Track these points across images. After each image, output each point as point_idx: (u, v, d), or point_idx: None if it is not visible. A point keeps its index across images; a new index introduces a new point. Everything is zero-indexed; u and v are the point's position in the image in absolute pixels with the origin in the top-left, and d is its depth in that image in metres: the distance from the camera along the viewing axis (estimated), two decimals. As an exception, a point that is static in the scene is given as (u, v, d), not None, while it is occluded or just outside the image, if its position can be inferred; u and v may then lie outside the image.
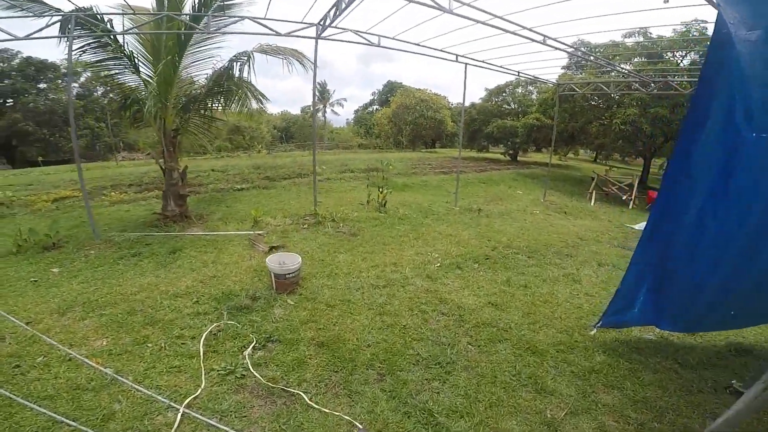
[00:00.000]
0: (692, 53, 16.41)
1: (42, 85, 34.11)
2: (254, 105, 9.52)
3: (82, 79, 31.63)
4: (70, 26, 6.57)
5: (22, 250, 6.48)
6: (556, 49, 7.89)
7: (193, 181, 14.80)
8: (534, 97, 28.33)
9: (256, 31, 7.31)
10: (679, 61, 16.71)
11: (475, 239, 7.97)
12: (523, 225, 9.72)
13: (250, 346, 3.85)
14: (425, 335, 4.24)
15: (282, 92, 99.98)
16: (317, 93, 49.43)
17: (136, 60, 7.97)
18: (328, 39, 7.88)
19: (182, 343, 3.88)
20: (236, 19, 7.53)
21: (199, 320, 4.31)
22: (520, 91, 28.99)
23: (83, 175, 7.76)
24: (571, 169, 29.84)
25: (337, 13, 6.60)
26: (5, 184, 16.06)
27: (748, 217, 2.87)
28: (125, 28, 7.47)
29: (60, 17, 6.52)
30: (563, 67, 19.13)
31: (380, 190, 9.96)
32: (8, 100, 33.17)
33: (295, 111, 54.49)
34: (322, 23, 7.40)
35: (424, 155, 30.48)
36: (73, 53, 6.70)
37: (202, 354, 3.70)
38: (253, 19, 7.20)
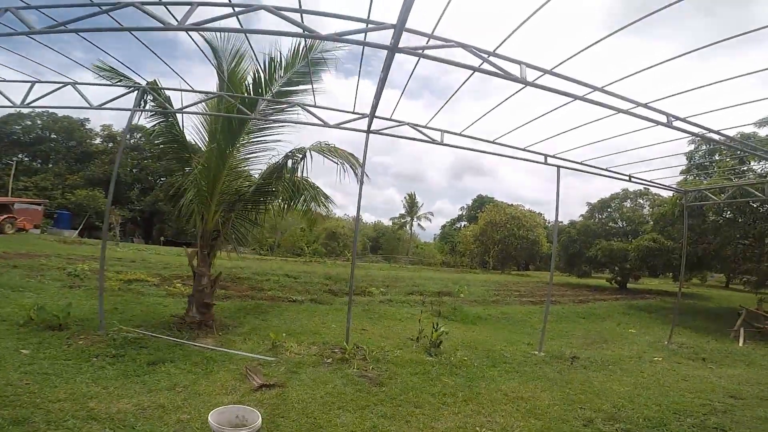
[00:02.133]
0: None
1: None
2: (319, 208, 8.89)
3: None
4: (144, 98, 6.82)
5: (31, 324, 6.58)
6: (694, 136, 5.76)
7: (257, 284, 14.37)
8: (646, 211, 24.21)
9: (305, 122, 6.85)
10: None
11: (559, 406, 5.28)
12: (639, 381, 6.79)
13: None
14: None
15: (381, 201, 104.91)
16: (405, 204, 50.62)
17: (188, 143, 7.89)
18: (381, 133, 7.02)
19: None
20: (286, 105, 7.19)
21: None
22: (628, 204, 25.02)
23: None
24: (700, 298, 23.78)
25: (378, 100, 5.69)
26: (115, 257, 17.80)
27: None
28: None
29: (131, 89, 6.80)
30: (682, 173, 15.33)
31: (434, 327, 7.80)
32: (161, 179, 39.29)
33: (388, 222, 56.15)
34: (372, 114, 6.58)
35: (512, 279, 27.39)
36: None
37: None
38: (302, 105, 6.79)
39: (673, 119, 5.21)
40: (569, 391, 5.94)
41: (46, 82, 6.62)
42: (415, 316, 10.08)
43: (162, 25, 3.65)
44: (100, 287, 7.23)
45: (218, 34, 6.49)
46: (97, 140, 41.01)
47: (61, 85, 6.59)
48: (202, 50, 5.62)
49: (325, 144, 7.75)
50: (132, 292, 11.17)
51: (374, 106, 5.96)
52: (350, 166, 7.71)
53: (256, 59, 6.89)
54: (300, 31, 3.73)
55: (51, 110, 39.18)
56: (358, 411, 4.60)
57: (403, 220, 50.61)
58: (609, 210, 25.66)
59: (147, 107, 7.05)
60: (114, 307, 8.96)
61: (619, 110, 5.05)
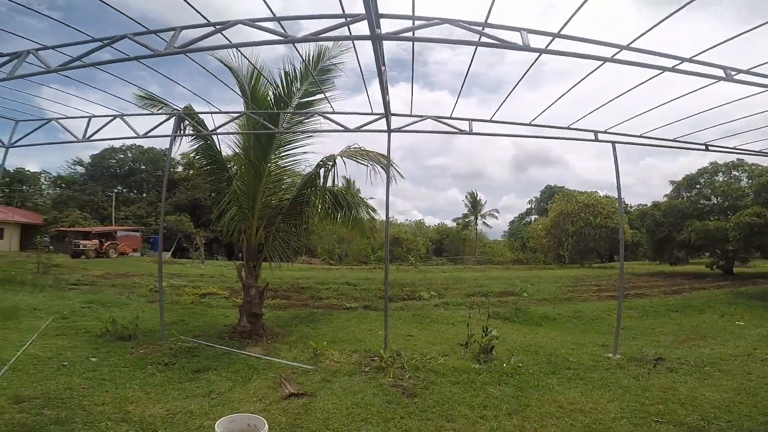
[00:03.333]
0: None
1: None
2: (365, 217, 8.96)
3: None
4: (181, 124, 7.37)
5: (107, 335, 7.35)
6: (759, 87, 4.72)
7: (317, 293, 14.74)
8: (744, 183, 21.00)
9: (326, 129, 6.98)
10: None
11: (628, 419, 4.47)
12: (743, 385, 5.59)
13: None
14: None
15: (444, 203, 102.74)
16: (467, 204, 49.01)
17: (229, 165, 8.36)
18: (402, 130, 6.74)
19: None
20: (304, 116, 7.30)
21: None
22: (721, 178, 21.93)
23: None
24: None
25: (386, 96, 5.42)
26: (198, 274, 19.58)
27: None
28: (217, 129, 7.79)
29: (169, 116, 7.32)
30: None
31: (484, 330, 7.17)
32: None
33: (452, 223, 54.88)
34: (387, 111, 6.32)
35: (592, 272, 25.11)
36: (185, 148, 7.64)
37: None
38: (322, 114, 6.83)
39: (733, 72, 4.25)
40: (645, 400, 5.02)
41: (100, 116, 7.34)
42: (470, 319, 9.55)
43: (151, 52, 3.82)
44: (160, 301, 7.89)
45: (233, 56, 6.83)
46: (179, 168, 44.77)
47: (111, 117, 7.26)
48: (213, 74, 5.79)
49: (354, 148, 7.70)
50: (203, 305, 12.10)
51: (386, 103, 5.69)
52: (381, 167, 7.58)
53: (254, 72, 7.05)
54: (278, 38, 3.66)
55: (108, 142, 44.39)
56: (381, 423, 4.34)
57: (466, 220, 49.08)
58: (698, 186, 22.53)
59: (187, 132, 7.56)
60: (182, 318, 9.74)
61: (663, 68, 4.25)
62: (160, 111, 7.31)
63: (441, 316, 11.05)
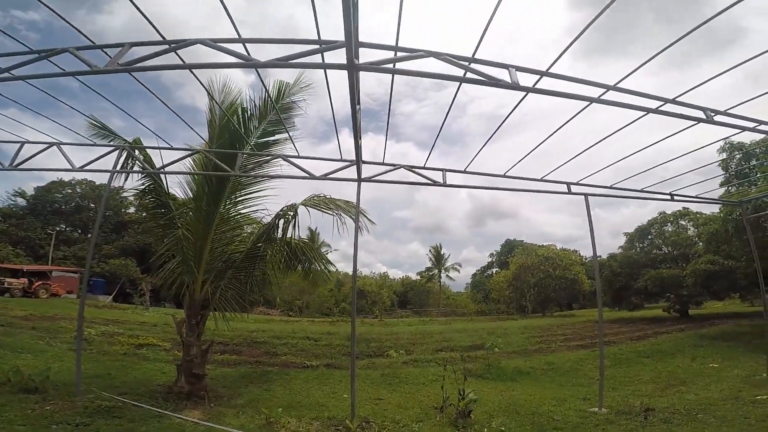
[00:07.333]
0: None
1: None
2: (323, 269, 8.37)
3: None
4: (129, 160, 6.66)
5: (7, 385, 6.36)
6: (744, 130, 4.80)
7: (272, 349, 13.47)
8: (691, 233, 22.35)
9: (288, 175, 6.46)
10: None
11: None
12: (744, 429, 5.56)
13: None
14: None
15: (406, 256, 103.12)
16: (431, 257, 49.20)
17: (173, 205, 7.53)
18: (374, 180, 6.32)
19: None
20: (264, 159, 6.76)
21: None
22: (670, 228, 23.09)
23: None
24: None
25: (358, 139, 5.02)
26: (140, 321, 17.92)
27: None
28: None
29: (112, 149, 6.61)
30: (722, 184, 13.23)
31: (461, 393, 6.50)
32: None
33: (416, 276, 55.00)
34: (358, 158, 5.91)
35: (556, 321, 25.25)
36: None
37: None
38: (284, 157, 6.35)
39: (712, 113, 4.27)
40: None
41: (35, 142, 6.53)
42: (442, 377, 8.81)
43: (89, 68, 3.26)
44: (78, 351, 6.76)
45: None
46: (131, 209, 41.76)
47: (47, 145, 6.44)
48: (173, 108, 5.18)
49: (317, 197, 7.21)
50: (137, 357, 10.66)
51: (358, 148, 5.30)
52: (347, 216, 7.08)
53: (218, 105, 6.50)
54: (240, 61, 3.21)
55: (54, 174, 40.76)
56: None
57: (430, 273, 49.67)
58: (650, 237, 23.77)
59: (134, 168, 6.80)
60: (108, 372, 8.48)
61: (647, 110, 4.19)
62: (110, 142, 6.61)
63: (411, 375, 10.17)
